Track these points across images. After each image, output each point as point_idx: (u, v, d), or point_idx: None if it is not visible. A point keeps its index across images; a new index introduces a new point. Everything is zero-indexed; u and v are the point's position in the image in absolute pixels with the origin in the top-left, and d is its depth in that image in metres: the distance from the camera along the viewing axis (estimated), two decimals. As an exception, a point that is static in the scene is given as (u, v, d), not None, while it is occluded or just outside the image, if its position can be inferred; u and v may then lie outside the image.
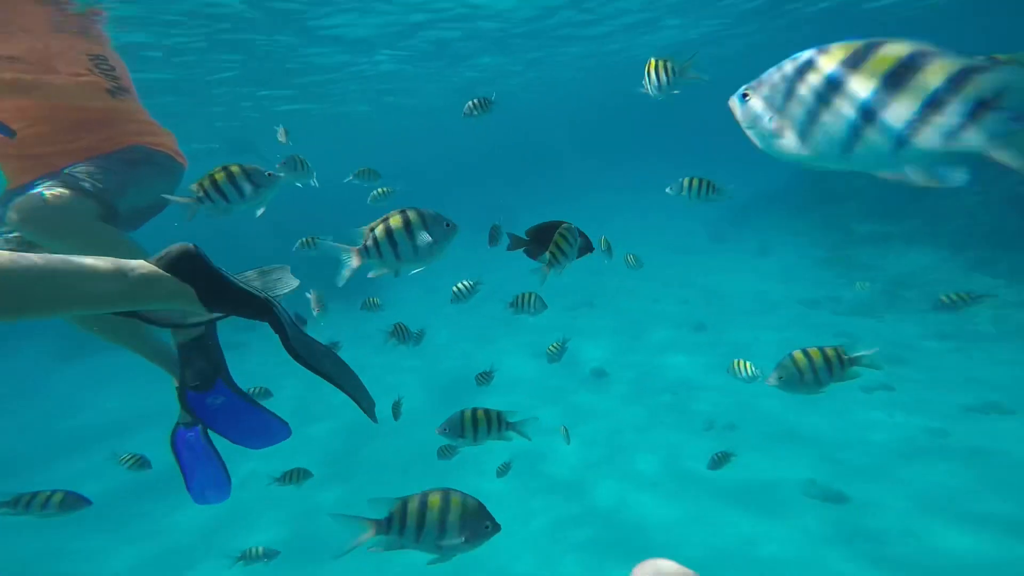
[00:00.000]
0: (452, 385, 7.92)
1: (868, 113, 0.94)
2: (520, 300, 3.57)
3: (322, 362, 1.35)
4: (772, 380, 1.93)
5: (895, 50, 0.91)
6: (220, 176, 2.12)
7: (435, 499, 1.15)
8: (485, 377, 4.43)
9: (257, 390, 4.70)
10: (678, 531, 4.46)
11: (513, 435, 2.20)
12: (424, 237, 1.81)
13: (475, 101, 4.00)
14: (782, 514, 4.47)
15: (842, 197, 13.46)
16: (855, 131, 0.96)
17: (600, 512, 4.86)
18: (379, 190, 4.61)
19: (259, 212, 2.29)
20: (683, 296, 10.61)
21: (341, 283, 1.81)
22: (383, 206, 4.52)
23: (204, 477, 1.77)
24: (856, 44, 0.96)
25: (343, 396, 1.36)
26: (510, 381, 7.57)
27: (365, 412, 1.41)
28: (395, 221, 1.81)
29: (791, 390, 1.89)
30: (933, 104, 0.89)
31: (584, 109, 40.29)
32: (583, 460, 5.64)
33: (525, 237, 2.18)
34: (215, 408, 1.69)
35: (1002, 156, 0.87)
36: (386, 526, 1.19)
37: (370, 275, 1.86)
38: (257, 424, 1.74)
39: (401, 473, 5.80)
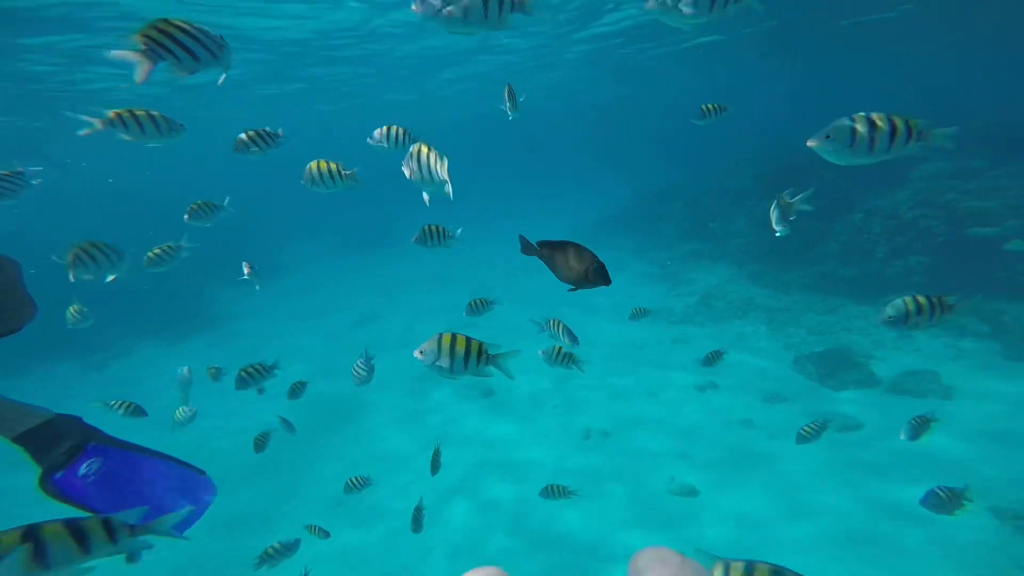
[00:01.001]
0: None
1: None
2: (549, 323, 4.30)
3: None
4: (416, 354, 2.09)
5: None
6: (171, 28, 1.83)
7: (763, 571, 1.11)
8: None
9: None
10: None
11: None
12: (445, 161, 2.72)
13: (250, 134, 3.02)
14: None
15: (666, 219, 16.95)
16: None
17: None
18: (162, 247, 3.95)
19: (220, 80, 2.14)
20: (558, 315, 12.63)
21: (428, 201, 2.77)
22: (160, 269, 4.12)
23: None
24: None
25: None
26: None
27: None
28: (425, 149, 2.67)
29: (430, 367, 2.11)
30: None
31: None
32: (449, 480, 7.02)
33: (536, 246, 2.21)
34: (93, 478, 1.19)
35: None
36: None
37: (426, 196, 2.74)
38: (166, 479, 1.25)
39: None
